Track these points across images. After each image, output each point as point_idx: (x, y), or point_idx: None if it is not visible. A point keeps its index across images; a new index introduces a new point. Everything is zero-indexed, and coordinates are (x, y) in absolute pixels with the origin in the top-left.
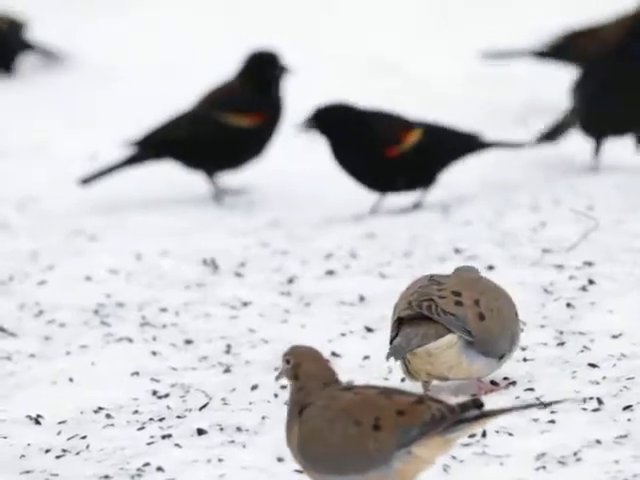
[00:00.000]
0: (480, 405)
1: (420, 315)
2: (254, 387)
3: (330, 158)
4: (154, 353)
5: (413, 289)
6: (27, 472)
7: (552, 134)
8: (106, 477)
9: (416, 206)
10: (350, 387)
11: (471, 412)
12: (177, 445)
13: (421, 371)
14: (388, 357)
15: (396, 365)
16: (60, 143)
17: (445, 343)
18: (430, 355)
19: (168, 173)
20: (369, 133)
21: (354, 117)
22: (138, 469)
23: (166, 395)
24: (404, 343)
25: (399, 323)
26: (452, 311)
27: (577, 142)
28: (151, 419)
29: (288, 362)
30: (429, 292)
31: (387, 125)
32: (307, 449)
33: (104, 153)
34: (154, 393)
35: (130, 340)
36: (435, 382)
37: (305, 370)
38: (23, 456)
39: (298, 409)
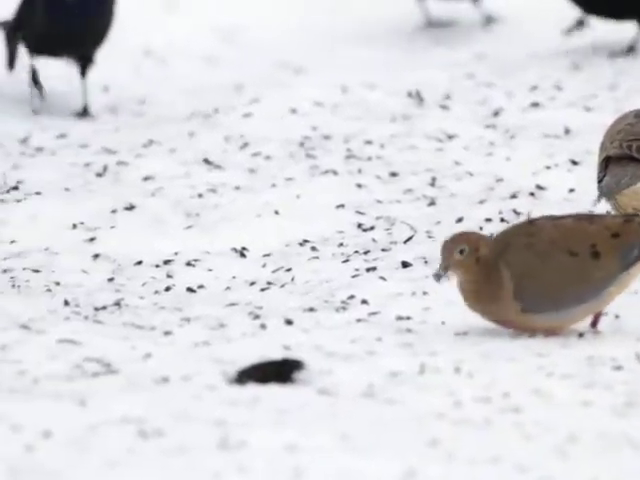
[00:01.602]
0: None
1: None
2: (459, 220)
3: None
4: (359, 185)
5: (620, 126)
6: (232, 304)
7: None
8: (311, 309)
9: (630, 50)
10: (532, 221)
11: None
12: (382, 278)
13: (628, 207)
14: (599, 198)
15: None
16: None
17: None
18: (637, 193)
19: (372, 5)
20: None
21: None
22: (343, 301)
23: (371, 228)
24: (614, 183)
25: (607, 161)
26: None
27: None
28: (356, 251)
29: (462, 252)
30: (637, 131)
31: None
32: (523, 291)
33: None
34: (359, 226)
35: (335, 172)
36: None
37: (484, 251)
38: (228, 288)
39: (491, 272)
